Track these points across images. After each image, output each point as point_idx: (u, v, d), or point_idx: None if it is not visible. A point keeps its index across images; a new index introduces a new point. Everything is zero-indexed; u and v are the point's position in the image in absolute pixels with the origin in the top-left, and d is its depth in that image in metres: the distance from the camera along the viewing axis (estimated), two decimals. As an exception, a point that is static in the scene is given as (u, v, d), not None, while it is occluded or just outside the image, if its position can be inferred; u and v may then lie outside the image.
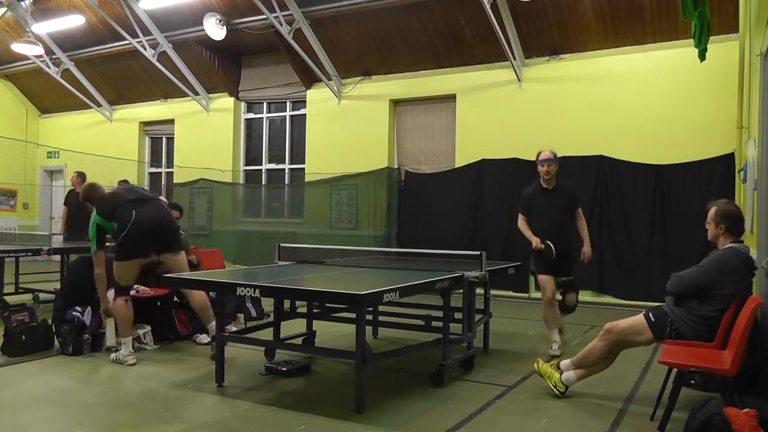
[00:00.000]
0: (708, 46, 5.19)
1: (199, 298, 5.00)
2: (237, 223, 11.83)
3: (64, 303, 5.32)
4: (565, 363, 4.15)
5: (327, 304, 5.31)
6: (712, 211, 3.85)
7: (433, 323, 5.21)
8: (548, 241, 5.35)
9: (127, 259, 4.81)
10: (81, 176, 8.62)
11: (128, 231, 4.75)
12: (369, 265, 5.63)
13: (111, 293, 5.10)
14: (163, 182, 13.39)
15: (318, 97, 11.15)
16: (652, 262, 8.19)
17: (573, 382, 4.05)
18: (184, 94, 12.30)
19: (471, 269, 4.68)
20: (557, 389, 4.06)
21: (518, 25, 8.92)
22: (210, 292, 5.05)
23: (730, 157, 7.59)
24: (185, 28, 11.04)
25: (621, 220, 8.48)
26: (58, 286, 7.01)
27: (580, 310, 8.14)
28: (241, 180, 12.24)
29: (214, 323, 4.96)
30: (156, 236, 4.87)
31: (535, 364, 4.27)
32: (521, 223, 5.65)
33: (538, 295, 9.00)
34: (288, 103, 11.89)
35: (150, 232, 4.82)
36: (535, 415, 3.73)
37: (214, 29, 10.26)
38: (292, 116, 11.88)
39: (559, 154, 8.92)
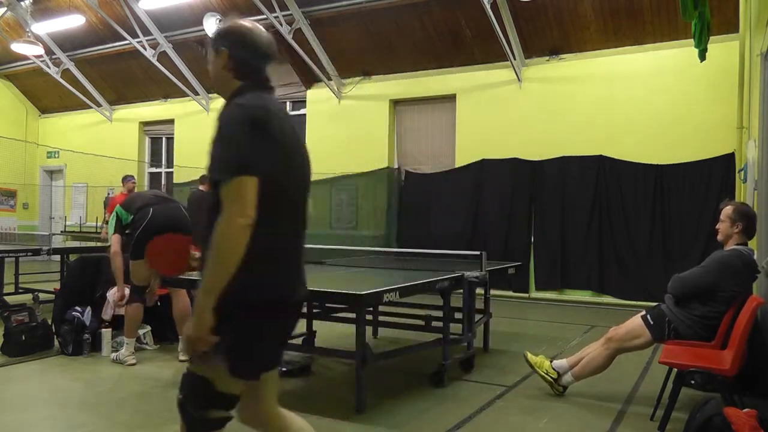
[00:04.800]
0: (708, 46, 5.19)
1: (183, 306, 4.98)
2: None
3: (64, 303, 5.32)
4: (559, 364, 4.11)
5: (327, 304, 5.31)
6: (729, 209, 3.75)
7: (433, 323, 5.21)
8: None
9: (141, 258, 4.82)
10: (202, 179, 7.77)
11: (143, 228, 4.78)
12: (369, 265, 5.63)
13: (126, 292, 5.12)
14: (162, 182, 13.38)
15: (318, 97, 11.15)
16: (652, 262, 8.19)
17: (565, 370, 4.04)
18: (184, 94, 12.29)
19: (471, 269, 4.68)
20: (549, 376, 4.05)
21: (518, 25, 8.92)
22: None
23: (730, 157, 7.59)
24: (185, 28, 11.04)
25: (621, 220, 8.48)
26: (58, 286, 7.01)
27: (580, 310, 8.18)
28: (241, 180, 12.21)
29: None
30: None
31: (525, 357, 4.22)
32: None
33: (539, 295, 9.13)
34: (288, 103, 11.88)
35: (162, 232, 4.83)
36: (535, 415, 3.72)
37: (214, 29, 10.26)
38: (292, 116, 11.85)
39: (559, 154, 9.16)
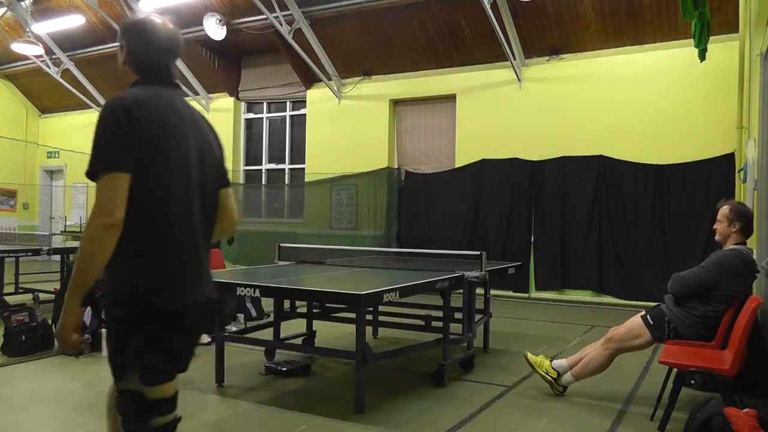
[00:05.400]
0: (708, 46, 5.19)
1: None
2: (237, 223, 11.81)
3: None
4: (559, 363, 4.12)
5: (327, 304, 5.31)
6: (726, 209, 3.76)
7: (433, 323, 5.21)
8: None
9: None
10: None
11: None
12: (369, 265, 5.63)
13: None
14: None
15: (318, 97, 11.15)
16: (652, 262, 8.19)
17: (565, 370, 4.05)
18: (184, 94, 12.26)
19: (471, 269, 4.68)
20: (549, 375, 4.05)
21: (518, 25, 8.92)
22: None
23: (730, 157, 7.59)
24: (185, 28, 11.02)
25: (621, 220, 8.48)
26: (58, 286, 7.00)
27: (580, 310, 8.18)
28: (241, 180, 12.23)
29: None
30: None
31: (525, 356, 4.24)
32: None
33: (539, 295, 9.12)
34: (288, 103, 11.89)
35: None
36: (535, 415, 3.73)
37: (214, 29, 10.26)
38: (292, 116, 11.88)
39: (559, 154, 9.17)
